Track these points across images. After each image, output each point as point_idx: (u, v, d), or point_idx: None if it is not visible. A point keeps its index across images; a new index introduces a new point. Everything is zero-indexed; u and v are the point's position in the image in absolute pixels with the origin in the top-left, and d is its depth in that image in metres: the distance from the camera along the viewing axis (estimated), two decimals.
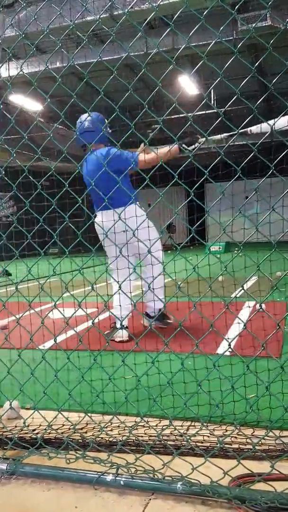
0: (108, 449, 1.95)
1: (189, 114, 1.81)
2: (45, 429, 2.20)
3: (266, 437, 2.01)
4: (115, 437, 2.10)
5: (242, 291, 2.20)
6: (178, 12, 2.18)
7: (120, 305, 3.68)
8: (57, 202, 2.07)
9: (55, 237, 2.10)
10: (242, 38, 7.58)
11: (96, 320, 4.25)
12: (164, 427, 2.15)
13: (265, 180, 1.88)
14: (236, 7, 6.95)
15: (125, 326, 3.98)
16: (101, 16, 6.92)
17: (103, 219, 3.11)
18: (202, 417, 2.18)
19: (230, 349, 1.88)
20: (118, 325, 3.97)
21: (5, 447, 2.04)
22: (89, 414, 2.07)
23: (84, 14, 6.80)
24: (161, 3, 6.75)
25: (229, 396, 2.20)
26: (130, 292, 3.93)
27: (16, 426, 2.28)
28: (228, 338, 3.38)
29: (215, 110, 10.91)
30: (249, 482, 1.72)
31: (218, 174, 2.00)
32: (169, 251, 2.70)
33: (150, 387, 2.49)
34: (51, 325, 2.45)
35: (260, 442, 1.98)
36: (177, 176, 1.85)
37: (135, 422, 2.19)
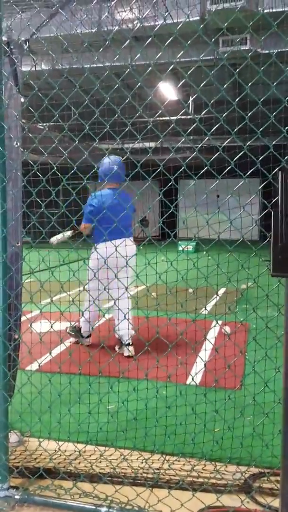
0: (101, 481, 2.45)
1: (152, 118, 2.24)
2: (45, 458, 2.67)
3: (225, 472, 2.56)
4: (103, 468, 2.59)
5: (211, 307, 2.63)
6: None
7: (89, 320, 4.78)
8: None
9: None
10: (225, 58, 7.96)
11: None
12: (148, 459, 2.65)
13: (235, 180, 2.24)
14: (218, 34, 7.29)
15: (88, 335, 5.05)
16: (91, 31, 7.17)
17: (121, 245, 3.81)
18: (176, 454, 2.69)
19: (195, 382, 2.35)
20: (84, 334, 5.01)
21: (15, 477, 2.50)
22: (81, 449, 2.55)
23: (74, 27, 7.04)
24: (148, 24, 7.06)
25: (200, 431, 2.71)
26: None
27: (20, 454, 2.75)
28: (195, 374, 3.88)
29: (193, 116, 11.14)
30: None
31: (193, 173, 2.31)
32: (141, 245, 2.97)
33: (136, 418, 2.98)
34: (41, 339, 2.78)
35: (221, 477, 2.51)
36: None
37: (122, 455, 2.68)
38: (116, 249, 2.91)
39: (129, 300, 4.74)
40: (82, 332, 5.02)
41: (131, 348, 4.68)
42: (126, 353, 4.66)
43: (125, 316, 4.26)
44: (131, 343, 4.70)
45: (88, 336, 5.04)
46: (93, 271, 2.72)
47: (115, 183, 4.79)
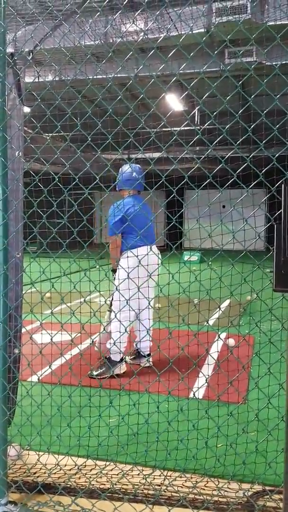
0: (100, 497, 2.40)
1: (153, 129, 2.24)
2: (45, 473, 2.63)
3: (227, 489, 2.50)
4: (103, 484, 2.54)
5: (214, 320, 2.59)
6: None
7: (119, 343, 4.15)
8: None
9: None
10: (228, 69, 7.98)
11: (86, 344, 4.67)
12: (146, 476, 2.60)
13: (239, 191, 2.27)
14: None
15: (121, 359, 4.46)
16: (97, 43, 7.21)
17: (154, 251, 3.77)
18: (177, 470, 2.64)
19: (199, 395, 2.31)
20: (115, 359, 4.37)
21: (13, 492, 2.45)
22: (81, 464, 2.50)
23: (78, 39, 7.09)
24: (153, 36, 7.09)
25: (203, 447, 2.66)
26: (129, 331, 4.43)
27: (20, 468, 2.70)
28: (197, 388, 3.83)
29: (198, 127, 11.26)
30: None
31: (195, 184, 2.31)
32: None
33: (139, 433, 2.93)
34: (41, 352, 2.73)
35: (223, 495, 2.45)
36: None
37: (122, 471, 2.63)
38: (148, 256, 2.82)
39: (151, 310, 4.60)
40: (112, 359, 4.38)
41: (151, 359, 4.63)
42: (147, 364, 4.53)
43: (139, 324, 4.23)
44: (150, 353, 4.66)
45: (121, 361, 4.44)
46: (127, 280, 2.49)
47: (135, 191, 4.65)
